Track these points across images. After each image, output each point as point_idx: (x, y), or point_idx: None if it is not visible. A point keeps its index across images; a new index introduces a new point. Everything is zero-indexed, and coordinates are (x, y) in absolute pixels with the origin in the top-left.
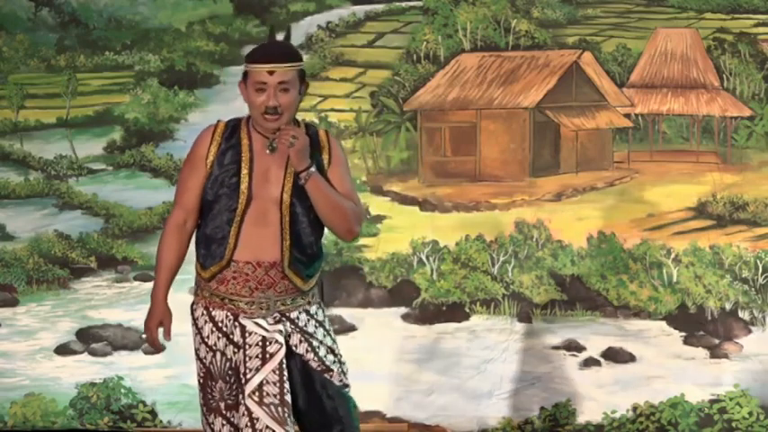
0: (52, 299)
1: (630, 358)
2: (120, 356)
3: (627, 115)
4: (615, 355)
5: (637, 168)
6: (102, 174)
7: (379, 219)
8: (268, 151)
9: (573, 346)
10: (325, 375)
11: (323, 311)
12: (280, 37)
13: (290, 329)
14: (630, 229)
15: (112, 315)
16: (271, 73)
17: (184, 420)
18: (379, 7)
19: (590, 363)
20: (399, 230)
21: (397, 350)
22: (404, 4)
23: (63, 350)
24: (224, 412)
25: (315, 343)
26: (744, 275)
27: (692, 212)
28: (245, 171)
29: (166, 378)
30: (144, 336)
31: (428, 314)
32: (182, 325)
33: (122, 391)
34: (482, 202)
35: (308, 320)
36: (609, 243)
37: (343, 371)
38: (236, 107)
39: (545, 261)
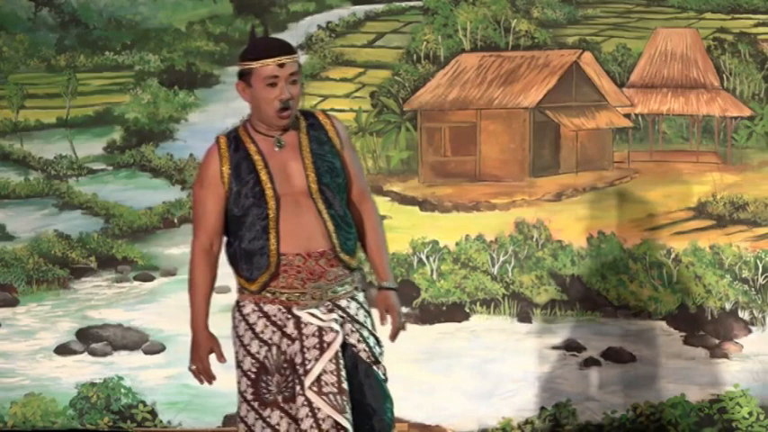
0: (52, 299)
1: (630, 358)
2: (120, 356)
3: (627, 115)
4: (615, 355)
5: (637, 168)
6: (102, 174)
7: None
8: (277, 148)
9: (573, 346)
10: (374, 367)
11: (368, 302)
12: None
13: (341, 319)
14: (630, 229)
15: (112, 315)
16: (281, 66)
17: (184, 420)
18: (379, 7)
19: (590, 363)
20: (399, 230)
21: (397, 350)
22: (404, 4)
23: (63, 350)
24: (282, 405)
25: (365, 333)
26: (744, 275)
27: (692, 212)
28: (264, 176)
29: (166, 378)
30: (193, 368)
31: (428, 314)
32: (183, 324)
33: (122, 391)
34: (482, 202)
35: (358, 310)
36: (609, 243)
37: (384, 365)
38: (236, 107)
39: (545, 261)
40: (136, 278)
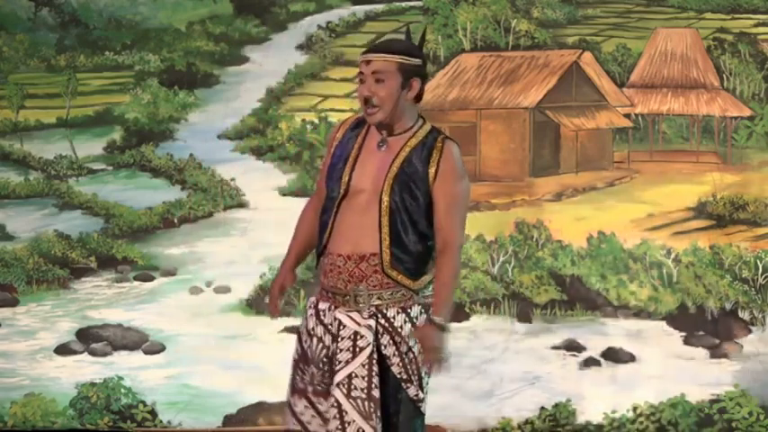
0: (52, 299)
1: (630, 358)
2: (120, 356)
3: (627, 115)
4: (615, 355)
5: (637, 168)
6: (102, 174)
7: None
8: (378, 148)
9: (573, 346)
10: (403, 385)
11: (428, 315)
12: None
13: (381, 328)
14: (630, 229)
15: (112, 315)
16: (367, 63)
17: (184, 420)
18: (379, 7)
19: (590, 363)
20: None
21: None
22: (404, 4)
23: (63, 350)
24: (309, 396)
25: (404, 348)
26: (744, 275)
27: (692, 212)
28: (350, 162)
29: (166, 378)
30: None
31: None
32: (183, 324)
33: (122, 391)
34: (482, 202)
35: (405, 322)
36: (609, 243)
37: (421, 384)
38: (236, 107)
39: (545, 261)
40: (136, 278)
